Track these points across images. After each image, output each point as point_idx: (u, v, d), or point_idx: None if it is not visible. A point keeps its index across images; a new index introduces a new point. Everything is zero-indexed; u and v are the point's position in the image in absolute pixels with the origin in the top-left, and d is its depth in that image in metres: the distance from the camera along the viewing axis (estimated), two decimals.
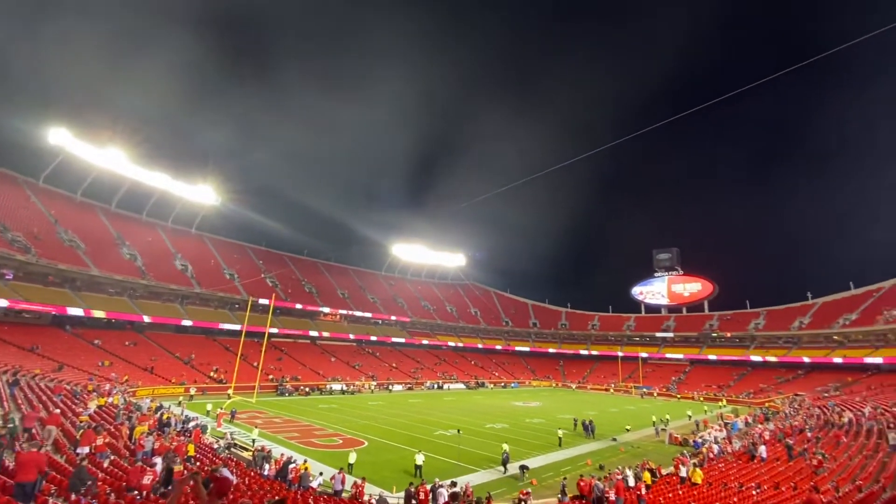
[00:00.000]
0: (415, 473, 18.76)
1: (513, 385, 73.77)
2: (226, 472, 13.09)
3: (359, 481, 15.78)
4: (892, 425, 23.48)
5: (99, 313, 46.28)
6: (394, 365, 67.87)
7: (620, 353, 79.01)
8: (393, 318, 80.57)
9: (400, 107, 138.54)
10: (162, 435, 17.78)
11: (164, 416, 22.72)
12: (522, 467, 19.89)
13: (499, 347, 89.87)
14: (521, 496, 15.68)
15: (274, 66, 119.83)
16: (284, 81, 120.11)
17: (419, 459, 19.22)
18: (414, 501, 14.99)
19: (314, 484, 15.79)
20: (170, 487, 10.83)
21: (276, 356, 57.16)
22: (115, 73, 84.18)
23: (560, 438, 27.52)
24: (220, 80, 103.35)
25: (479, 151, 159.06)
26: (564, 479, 17.63)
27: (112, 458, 13.37)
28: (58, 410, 18.21)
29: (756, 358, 68.11)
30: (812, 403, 41.48)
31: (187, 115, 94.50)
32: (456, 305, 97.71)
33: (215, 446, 20.16)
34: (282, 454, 18.18)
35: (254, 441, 22.51)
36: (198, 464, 15.39)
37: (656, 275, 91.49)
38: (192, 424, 23.25)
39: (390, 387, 57.23)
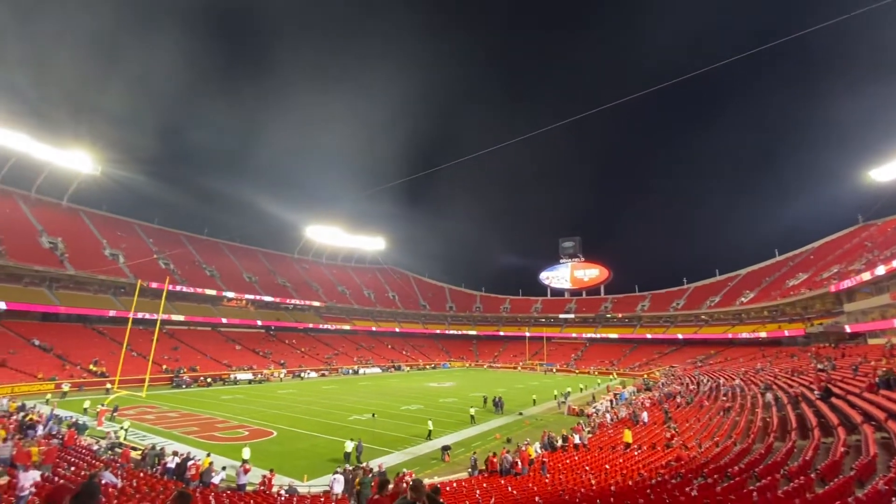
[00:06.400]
0: (346, 460, 18.37)
1: (443, 366, 76.79)
2: (108, 476, 11.68)
3: (267, 473, 15.06)
4: (745, 389, 28.06)
5: None
6: (303, 350, 65.25)
7: (528, 333, 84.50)
8: (306, 302, 77.29)
9: (313, 84, 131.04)
10: (23, 440, 15.29)
11: (28, 418, 19.55)
12: (445, 447, 20.51)
13: (416, 331, 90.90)
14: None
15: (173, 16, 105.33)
16: (192, 46, 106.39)
17: (349, 446, 18.85)
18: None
19: (216, 479, 14.77)
20: None
21: (172, 345, 51.98)
22: None
23: (472, 416, 28.74)
24: (111, 30, 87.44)
25: (402, 134, 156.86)
26: (475, 454, 18.53)
27: None
28: None
29: (641, 335, 77.15)
30: (683, 373, 48.17)
31: (64, 65, 79.37)
32: (374, 290, 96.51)
33: (95, 447, 17.88)
34: (174, 451, 16.70)
35: (121, 434, 20.47)
36: (73, 469, 13.51)
37: (561, 261, 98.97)
38: (62, 426, 20.30)
39: (302, 374, 55.16)
